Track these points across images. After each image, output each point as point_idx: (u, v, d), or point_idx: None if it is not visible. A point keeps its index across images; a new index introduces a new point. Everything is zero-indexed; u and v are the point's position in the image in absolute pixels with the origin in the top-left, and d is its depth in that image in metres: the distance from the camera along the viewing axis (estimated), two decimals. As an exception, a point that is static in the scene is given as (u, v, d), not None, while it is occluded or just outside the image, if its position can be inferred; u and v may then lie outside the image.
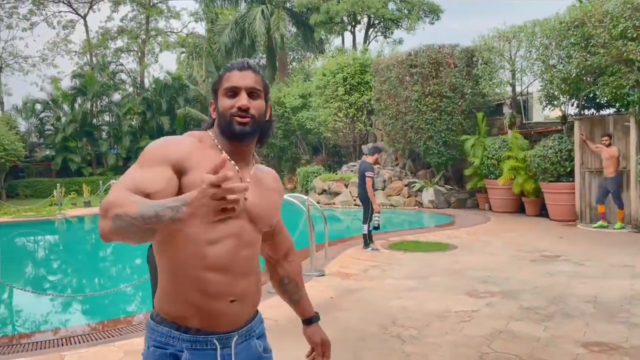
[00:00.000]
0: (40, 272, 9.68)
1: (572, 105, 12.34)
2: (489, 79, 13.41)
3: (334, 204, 16.30)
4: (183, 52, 33.52)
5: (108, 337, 4.54)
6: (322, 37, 26.78)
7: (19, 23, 31.33)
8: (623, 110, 10.59)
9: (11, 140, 20.60)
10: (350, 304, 5.30)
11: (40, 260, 10.92)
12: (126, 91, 29.70)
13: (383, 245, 8.66)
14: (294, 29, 27.09)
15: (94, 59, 32.11)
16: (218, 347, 1.50)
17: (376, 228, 8.13)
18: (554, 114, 14.78)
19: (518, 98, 14.27)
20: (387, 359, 3.85)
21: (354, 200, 15.19)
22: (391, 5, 24.23)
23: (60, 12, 33.47)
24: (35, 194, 22.95)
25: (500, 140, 13.15)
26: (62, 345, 4.38)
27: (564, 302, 5.19)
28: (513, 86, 14.06)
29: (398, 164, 17.27)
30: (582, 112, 11.97)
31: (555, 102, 12.09)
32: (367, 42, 25.44)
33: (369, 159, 8.28)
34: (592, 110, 12.33)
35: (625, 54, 9.49)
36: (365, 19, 25.69)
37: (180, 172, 1.45)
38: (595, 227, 10.10)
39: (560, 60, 11.05)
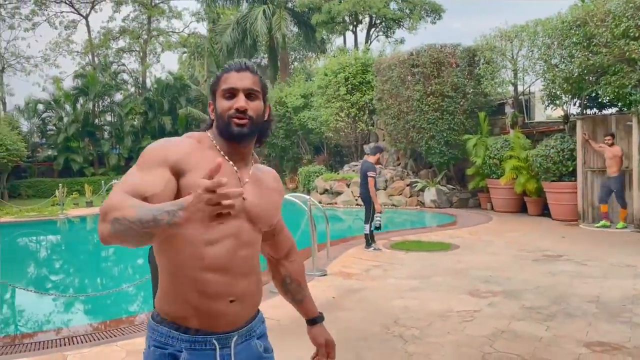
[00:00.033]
0: (42, 272, 9.70)
1: (574, 104, 12.32)
2: (491, 79, 13.39)
3: (335, 203, 16.29)
4: (185, 52, 33.57)
5: (110, 337, 4.54)
6: (324, 37, 26.80)
7: (21, 23, 31.44)
8: (625, 109, 10.57)
9: (13, 141, 20.63)
10: (352, 304, 5.30)
11: (42, 260, 10.94)
12: (128, 91, 29.77)
13: (385, 245, 8.65)
14: (295, 29, 27.12)
15: (96, 59, 32.17)
16: (217, 347, 1.50)
17: (378, 228, 8.12)
18: (556, 113, 14.78)
19: (520, 97, 14.25)
20: (389, 359, 3.85)
21: (356, 200, 15.18)
22: (393, 5, 24.24)
23: (62, 12, 33.56)
24: (37, 194, 22.99)
25: (502, 139, 13.13)
26: (65, 345, 4.38)
27: (566, 301, 5.18)
28: (515, 86, 14.04)
29: (400, 163, 17.26)
30: (584, 112, 11.96)
31: (558, 102, 12.08)
32: (369, 42, 25.47)
33: (371, 159, 8.28)
34: (595, 110, 12.31)
35: (627, 54, 9.47)
36: (367, 19, 25.71)
37: (178, 173, 1.46)
38: (598, 227, 10.08)
39: (563, 60, 11.03)
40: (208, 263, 1.46)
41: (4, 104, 30.24)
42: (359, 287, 6.03)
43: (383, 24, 26.13)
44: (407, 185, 15.49)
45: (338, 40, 30.10)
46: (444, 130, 14.22)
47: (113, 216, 1.28)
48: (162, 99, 26.96)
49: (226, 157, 1.56)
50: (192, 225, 1.25)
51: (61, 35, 38.75)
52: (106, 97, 27.94)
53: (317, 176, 18.18)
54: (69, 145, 25.29)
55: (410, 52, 14.97)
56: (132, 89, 30.62)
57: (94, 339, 4.50)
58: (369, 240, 8.26)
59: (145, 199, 1.35)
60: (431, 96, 14.21)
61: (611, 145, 10.06)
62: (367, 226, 8.16)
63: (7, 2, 29.64)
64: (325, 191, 17.02)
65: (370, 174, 7.97)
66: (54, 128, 26.81)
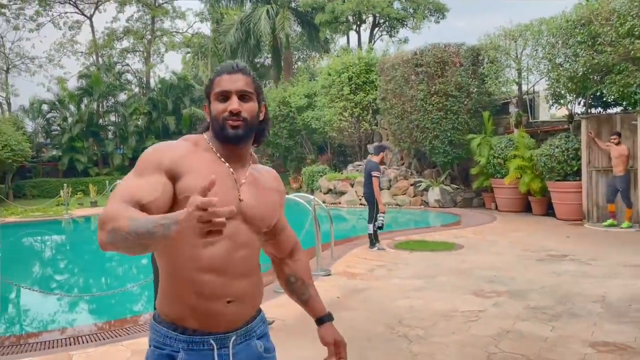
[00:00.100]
0: (47, 272, 9.73)
1: (579, 104, 12.29)
2: (495, 78, 13.36)
3: (339, 203, 16.30)
4: (188, 52, 33.61)
5: (115, 336, 4.55)
6: (327, 36, 26.77)
7: (25, 24, 31.56)
8: (630, 108, 10.53)
9: (18, 141, 20.71)
10: (356, 304, 5.30)
11: (47, 260, 10.97)
12: (132, 91, 29.86)
13: (389, 245, 8.64)
14: (299, 29, 27.11)
15: (100, 59, 32.28)
16: (215, 347, 1.51)
17: (380, 228, 8.12)
18: (561, 112, 14.74)
19: (524, 97, 14.22)
20: (393, 359, 3.84)
21: (360, 199, 15.17)
22: (396, 5, 24.21)
23: (66, 12, 33.69)
24: (42, 194, 23.07)
25: (507, 139, 13.10)
26: (70, 344, 4.40)
27: (572, 301, 5.17)
28: (519, 85, 14.01)
29: (404, 163, 17.25)
30: (589, 111, 11.92)
31: (562, 101, 12.04)
32: (373, 42, 25.44)
33: (375, 159, 8.26)
34: (599, 109, 12.27)
35: (632, 52, 9.43)
36: (371, 18, 25.69)
37: (174, 177, 1.47)
38: (605, 226, 10.04)
39: (567, 59, 11.00)
40: (205, 264, 1.47)
41: (9, 104, 30.37)
42: (363, 287, 6.03)
43: (387, 23, 26.10)
44: (411, 185, 15.48)
45: (342, 40, 30.14)
46: (448, 130, 14.20)
47: (110, 226, 1.29)
48: (166, 99, 27.03)
49: (222, 159, 1.57)
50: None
51: (65, 35, 38.84)
52: (110, 98, 28.03)
53: (321, 176, 18.18)
54: (74, 146, 25.38)
55: (414, 52, 14.96)
56: (136, 89, 30.71)
57: (99, 339, 4.51)
58: (373, 240, 8.25)
59: (142, 206, 1.37)
60: (435, 95, 14.19)
61: (618, 144, 10.02)
62: (371, 226, 8.16)
63: (11, 3, 29.76)
64: (329, 191, 17.03)
65: (374, 173, 7.97)
66: (59, 128, 26.92)
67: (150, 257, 2.01)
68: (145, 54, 33.55)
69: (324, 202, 14.08)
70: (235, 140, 1.55)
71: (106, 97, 27.62)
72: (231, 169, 1.57)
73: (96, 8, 32.40)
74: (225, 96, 1.55)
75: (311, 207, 6.95)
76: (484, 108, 14.11)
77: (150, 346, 1.56)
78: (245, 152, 1.63)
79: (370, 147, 17.36)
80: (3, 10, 29.75)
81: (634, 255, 7.37)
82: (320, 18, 23.27)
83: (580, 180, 10.99)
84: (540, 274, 6.40)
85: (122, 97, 28.56)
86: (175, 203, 1.48)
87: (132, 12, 34.87)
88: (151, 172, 1.46)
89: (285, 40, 24.39)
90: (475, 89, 14.00)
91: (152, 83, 30.57)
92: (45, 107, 26.83)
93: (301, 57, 33.53)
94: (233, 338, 1.54)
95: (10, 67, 31.82)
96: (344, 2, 22.65)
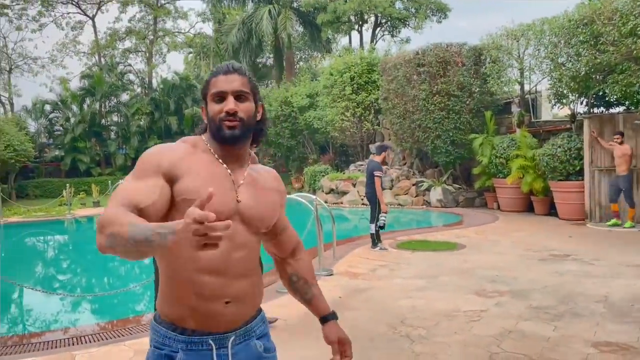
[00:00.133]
0: (49, 271, 9.75)
1: (581, 103, 12.26)
2: (497, 78, 13.34)
3: (341, 203, 16.30)
4: (190, 53, 33.65)
5: (118, 336, 4.56)
6: (329, 36, 26.76)
7: (28, 24, 31.63)
8: (633, 108, 10.51)
9: (21, 141, 20.77)
10: (358, 304, 5.30)
11: (49, 260, 11.00)
12: (134, 91, 29.90)
13: (391, 245, 8.64)
14: (301, 29, 27.11)
15: (102, 59, 32.32)
16: (214, 347, 1.51)
17: (381, 227, 8.13)
18: (563, 112, 14.70)
19: (527, 96, 14.20)
20: (396, 359, 3.84)
21: (362, 199, 15.17)
22: (398, 4, 24.18)
23: (68, 13, 33.84)
24: (44, 194, 23.12)
25: (509, 139, 13.08)
26: (73, 344, 4.41)
27: (574, 301, 5.16)
28: (521, 84, 13.99)
29: (406, 163, 17.24)
30: (591, 111, 11.90)
31: (564, 101, 12.02)
32: (374, 41, 25.41)
33: (377, 158, 8.26)
34: (602, 109, 12.25)
35: (635, 52, 9.41)
36: (373, 18, 25.67)
37: (172, 179, 1.49)
38: (609, 225, 10.02)
39: (569, 59, 10.98)
40: (203, 265, 1.48)
41: (12, 104, 30.46)
42: (365, 286, 6.03)
43: (389, 23, 26.07)
44: (413, 185, 15.47)
45: (343, 40, 30.12)
46: (450, 130, 14.19)
47: (109, 231, 1.31)
48: (168, 99, 27.06)
49: (220, 160, 1.58)
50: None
51: (68, 36, 39.08)
52: (113, 98, 28.07)
53: (323, 176, 18.19)
54: (76, 146, 25.42)
55: (416, 52, 14.94)
56: (139, 90, 30.75)
57: (102, 339, 4.52)
58: (375, 239, 8.25)
59: (140, 210, 1.39)
60: (437, 95, 14.18)
61: (621, 143, 10.01)
62: (373, 226, 8.16)
63: (14, 4, 29.81)
64: (331, 191, 17.03)
65: (376, 173, 7.97)
66: (61, 128, 26.97)
67: (153, 258, 2.01)
68: (147, 54, 33.60)
69: (326, 202, 14.06)
70: (232, 140, 1.56)
71: (108, 97, 27.66)
72: (229, 170, 1.58)
73: (98, 8, 32.46)
74: (221, 97, 1.56)
75: (313, 207, 6.95)
76: (486, 108, 14.09)
77: (150, 346, 1.57)
78: (243, 153, 1.63)
79: (372, 147, 17.36)
80: (6, 10, 29.82)
81: (637, 255, 7.36)
82: (322, 18, 23.27)
83: (582, 180, 10.97)
84: (543, 274, 6.39)
85: (125, 97, 28.62)
86: (173, 205, 1.49)
87: (135, 12, 35.03)
88: (149, 175, 1.48)
89: (287, 40, 24.39)
90: (478, 89, 13.98)
91: (155, 83, 30.63)
92: (47, 107, 26.88)
93: (303, 57, 33.53)
94: (232, 338, 1.54)
95: (13, 67, 31.90)
96: (345, 2, 22.64)
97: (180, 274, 1.49)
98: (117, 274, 9.08)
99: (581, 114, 11.85)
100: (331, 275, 6.59)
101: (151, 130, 27.00)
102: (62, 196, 17.79)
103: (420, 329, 4.46)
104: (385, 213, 7.99)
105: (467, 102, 14.06)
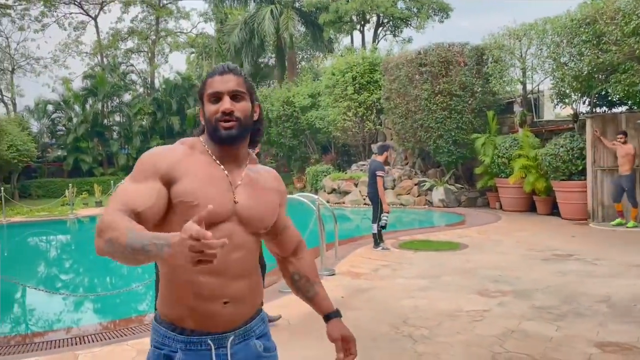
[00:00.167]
0: (52, 271, 9.77)
1: (584, 103, 12.24)
2: (500, 77, 13.33)
3: (343, 203, 16.30)
4: (193, 53, 33.66)
5: (120, 336, 4.57)
6: (331, 36, 26.76)
7: (30, 25, 31.63)
8: (635, 107, 10.49)
9: (24, 141, 20.81)
10: (361, 304, 5.30)
11: (52, 259, 11.03)
12: (136, 92, 29.92)
13: (393, 245, 8.64)
14: (303, 29, 27.09)
15: (104, 59, 32.35)
16: (212, 347, 1.52)
17: (383, 227, 8.13)
18: (565, 112, 14.69)
19: (529, 96, 14.18)
20: (398, 359, 3.84)
21: (364, 199, 15.16)
22: (400, 4, 24.16)
23: (71, 13, 33.76)
24: (47, 194, 23.16)
25: (511, 138, 13.06)
26: (76, 344, 4.42)
27: (577, 301, 5.15)
28: (524, 84, 13.96)
29: (408, 162, 17.23)
30: (593, 110, 11.87)
31: (567, 100, 12.00)
32: (376, 41, 25.41)
33: (379, 158, 8.26)
34: (604, 108, 12.22)
35: (637, 51, 9.40)
36: (375, 18, 25.64)
37: (169, 182, 1.50)
38: (614, 225, 10.01)
39: (572, 58, 10.96)
40: (200, 266, 1.48)
41: (14, 104, 30.50)
42: (367, 286, 6.03)
43: (390, 23, 26.06)
44: (415, 185, 15.46)
45: (345, 40, 30.08)
46: (452, 130, 14.18)
47: (108, 236, 1.33)
48: (170, 99, 27.08)
49: (217, 161, 1.58)
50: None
51: (70, 36, 39.17)
52: (115, 98, 28.11)
53: (325, 176, 18.18)
54: (79, 146, 25.46)
55: (418, 51, 14.93)
56: (141, 90, 30.77)
57: (105, 338, 4.53)
58: (377, 239, 8.25)
59: (138, 214, 1.41)
60: (439, 95, 14.17)
61: (624, 143, 9.99)
62: (375, 225, 8.15)
63: (17, 4, 29.86)
64: (333, 190, 17.03)
65: (378, 173, 7.96)
66: (64, 128, 27.03)
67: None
68: (149, 55, 33.60)
69: (327, 201, 14.08)
70: (228, 140, 1.56)
71: (111, 97, 27.70)
72: (226, 171, 1.58)
73: (101, 9, 32.49)
74: (217, 97, 1.56)
75: (315, 207, 6.96)
76: (489, 107, 14.08)
77: (151, 346, 1.58)
78: (240, 153, 1.63)
79: (374, 147, 17.36)
80: (8, 11, 29.87)
81: (639, 255, 7.35)
82: (324, 18, 23.26)
83: (585, 179, 10.95)
84: (545, 274, 6.38)
85: (127, 97, 28.65)
86: (170, 207, 1.50)
87: (137, 12, 35.07)
88: (147, 178, 1.49)
89: (289, 40, 24.38)
90: (480, 89, 13.97)
91: (157, 83, 30.64)
92: (50, 107, 26.94)
93: (305, 57, 33.50)
94: (231, 338, 1.55)
95: (15, 67, 31.94)
96: (347, 2, 22.63)
97: (179, 274, 1.50)
98: (119, 274, 9.08)
99: (584, 114, 11.83)
100: (333, 275, 6.59)
101: (153, 130, 27.02)
102: (65, 196, 17.82)
103: (423, 328, 4.45)
104: (387, 213, 7.99)
105: (470, 101, 14.05)
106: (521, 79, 13.72)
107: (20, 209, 17.47)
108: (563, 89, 11.56)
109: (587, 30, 10.40)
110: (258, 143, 1.74)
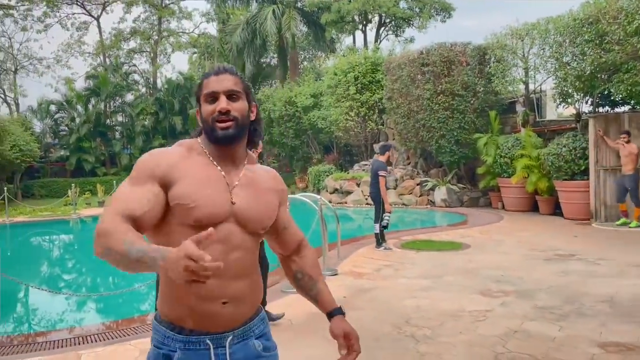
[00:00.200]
0: (55, 271, 9.79)
1: (587, 102, 12.22)
2: (502, 77, 13.31)
3: (345, 203, 16.29)
4: (195, 53, 33.71)
5: (123, 335, 4.58)
6: (333, 36, 26.77)
7: (33, 25, 31.74)
8: (638, 107, 10.47)
9: (26, 141, 20.88)
10: (363, 304, 5.30)
11: (55, 259, 11.05)
12: (139, 92, 29.99)
13: (395, 245, 8.63)
14: (305, 29, 27.11)
15: (107, 60, 32.43)
16: (211, 346, 1.53)
17: (385, 227, 8.13)
18: (568, 111, 14.64)
19: (531, 96, 14.15)
20: (401, 359, 3.84)
21: (366, 199, 15.17)
22: (402, 4, 24.16)
23: (73, 14, 33.90)
24: (50, 194, 23.22)
25: (514, 138, 13.05)
26: (78, 344, 4.42)
27: (579, 301, 5.14)
28: (526, 84, 13.94)
29: (410, 162, 17.22)
30: (596, 110, 11.85)
31: (569, 100, 11.98)
32: (379, 41, 25.41)
33: (381, 158, 8.26)
34: (607, 108, 12.20)
35: (640, 51, 9.38)
36: (377, 18, 25.65)
37: (166, 185, 1.51)
38: (618, 225, 9.99)
39: (574, 58, 10.94)
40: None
41: (17, 105, 30.59)
42: (370, 286, 6.03)
43: (393, 23, 26.05)
44: (417, 185, 15.45)
45: (347, 40, 30.12)
46: (455, 129, 14.17)
47: (106, 243, 1.36)
48: (172, 99, 27.13)
49: (214, 163, 1.59)
50: (179, 230, 1.44)
51: (73, 36, 39.17)
52: (117, 98, 28.19)
53: (327, 175, 18.19)
54: (81, 146, 25.53)
55: (420, 51, 14.93)
56: (143, 90, 30.84)
57: (107, 338, 4.53)
58: (380, 239, 8.25)
59: (135, 219, 1.43)
60: (441, 95, 14.16)
61: (627, 142, 9.97)
62: (377, 225, 8.15)
63: (19, 4, 29.93)
64: (335, 190, 17.03)
65: (381, 173, 7.96)
66: (66, 128, 27.11)
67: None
68: (152, 55, 33.67)
69: (330, 201, 14.09)
70: (225, 140, 1.56)
71: (113, 97, 27.77)
72: (222, 172, 1.58)
73: (103, 9, 32.56)
74: (213, 97, 1.57)
75: (317, 207, 6.96)
76: (491, 107, 14.07)
77: (151, 345, 1.59)
78: (238, 153, 1.63)
79: (376, 147, 17.35)
80: (11, 11, 29.95)
81: (643, 255, 7.32)
82: (326, 18, 23.27)
83: (587, 179, 10.93)
84: (548, 274, 6.38)
85: (129, 97, 28.73)
86: (168, 209, 1.51)
87: (139, 12, 35.12)
88: (144, 181, 1.50)
89: (291, 40, 24.39)
90: (482, 88, 13.95)
91: (159, 83, 30.72)
92: (53, 107, 27.02)
93: (307, 57, 33.51)
94: (230, 338, 1.56)
95: (18, 68, 32.04)
96: (349, 1, 22.62)
97: None
98: (121, 274, 9.05)
99: (586, 114, 11.81)
100: (336, 275, 6.60)
101: (156, 130, 27.07)
102: (68, 196, 17.86)
103: (425, 328, 4.45)
104: (389, 213, 7.99)
105: (472, 101, 14.04)
106: (523, 79, 13.70)
107: (23, 208, 17.51)
108: (565, 89, 11.54)
109: (589, 29, 10.38)
110: (257, 143, 1.74)
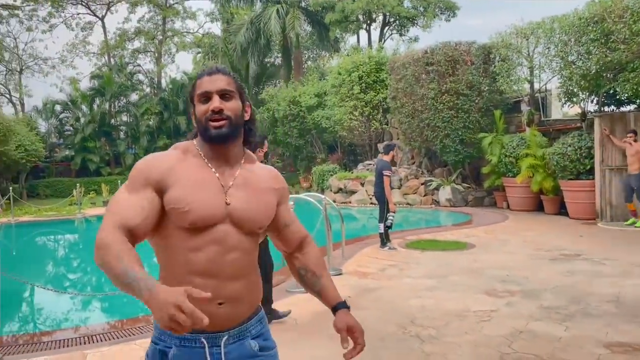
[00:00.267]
0: (60, 270, 9.83)
1: (592, 102, 12.17)
2: (507, 76, 13.26)
3: (349, 202, 16.28)
4: (199, 53, 33.71)
5: (128, 335, 4.59)
6: (338, 35, 26.72)
7: (38, 25, 31.82)
8: (644, 106, 10.41)
9: (32, 141, 20.95)
10: (368, 303, 5.30)
11: (60, 259, 11.08)
12: (143, 91, 30.06)
13: (400, 244, 8.62)
14: (309, 28, 27.10)
15: (111, 60, 32.50)
16: (206, 345, 1.54)
17: (389, 227, 8.11)
18: (573, 111, 14.59)
19: (536, 95, 14.11)
20: (406, 359, 3.83)
21: (370, 198, 15.16)
22: (407, 3, 24.10)
23: (78, 14, 33.97)
24: (55, 194, 23.30)
25: (519, 137, 13.01)
26: (84, 343, 4.44)
27: (585, 301, 5.12)
28: (531, 83, 13.90)
29: (414, 162, 17.20)
30: (602, 109, 11.80)
31: (575, 99, 11.93)
32: (383, 40, 25.35)
33: (386, 158, 8.25)
34: (613, 107, 12.14)
35: (646, 50, 9.33)
36: (381, 17, 25.61)
37: (161, 190, 1.53)
38: (627, 224, 9.94)
39: (580, 57, 10.90)
40: (194, 268, 1.52)
41: (23, 105, 30.69)
42: (374, 286, 6.02)
43: (397, 22, 25.99)
44: (422, 184, 15.43)
45: (352, 39, 30.04)
46: (459, 129, 14.13)
47: (103, 258, 1.39)
48: (177, 99, 27.17)
49: (209, 164, 1.59)
50: (176, 234, 1.48)
51: (78, 36, 39.26)
52: (122, 98, 28.26)
53: (331, 175, 18.19)
54: (86, 146, 25.61)
55: (424, 50, 14.89)
56: (148, 90, 30.91)
57: (113, 338, 4.54)
58: (384, 239, 8.23)
59: (131, 229, 1.45)
60: (446, 94, 14.12)
61: (634, 141, 9.92)
62: (382, 225, 8.14)
63: (24, 4, 30.03)
64: (340, 190, 17.02)
65: (385, 172, 7.95)
66: (71, 128, 27.19)
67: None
68: (156, 55, 33.73)
69: (334, 201, 14.08)
70: (218, 139, 1.57)
71: (118, 97, 27.85)
72: (217, 174, 1.59)
73: (108, 9, 32.64)
74: (207, 97, 1.58)
75: (322, 207, 6.95)
76: (496, 106, 14.02)
77: (151, 341, 1.62)
78: (232, 152, 1.63)
79: (380, 147, 17.33)
80: (16, 11, 30.06)
81: (649, 255, 7.29)
82: (330, 17, 23.25)
83: (593, 179, 10.88)
84: (553, 274, 6.35)
85: (134, 97, 28.80)
86: (164, 214, 1.53)
87: (143, 12, 35.12)
88: (140, 188, 1.52)
89: (295, 39, 24.38)
90: (487, 88, 13.91)
91: (164, 83, 30.77)
92: (58, 107, 27.11)
93: (311, 56, 33.50)
94: (225, 338, 1.56)
95: (23, 68, 32.13)
96: (354, 1, 22.59)
97: (174, 275, 1.54)
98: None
99: (592, 113, 11.76)
100: (340, 274, 6.59)
101: (160, 130, 27.12)
102: (73, 196, 17.92)
103: (430, 328, 4.44)
104: (394, 212, 7.97)
105: (476, 100, 13.99)
106: (528, 78, 13.65)
107: (28, 208, 17.59)
108: (571, 88, 11.50)
109: (595, 28, 10.33)
110: (252, 143, 1.73)
